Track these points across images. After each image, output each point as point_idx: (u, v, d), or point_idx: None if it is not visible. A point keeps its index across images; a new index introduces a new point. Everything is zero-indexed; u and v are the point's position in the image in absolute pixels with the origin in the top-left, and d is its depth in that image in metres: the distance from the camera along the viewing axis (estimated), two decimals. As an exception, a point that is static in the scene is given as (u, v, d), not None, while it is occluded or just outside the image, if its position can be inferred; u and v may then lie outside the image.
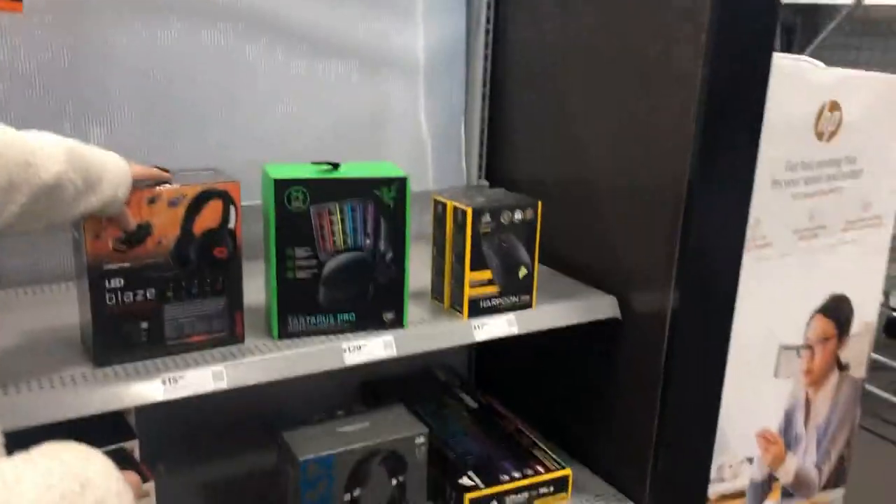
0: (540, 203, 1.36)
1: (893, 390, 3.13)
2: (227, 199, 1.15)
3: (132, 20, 1.43)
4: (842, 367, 1.77)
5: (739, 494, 1.69)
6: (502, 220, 1.33)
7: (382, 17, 1.67)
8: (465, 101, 1.81)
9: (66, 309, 1.29)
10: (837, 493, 1.91)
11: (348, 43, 1.64)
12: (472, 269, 1.32)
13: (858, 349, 1.78)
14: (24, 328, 1.23)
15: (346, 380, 1.76)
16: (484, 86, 1.79)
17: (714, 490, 1.61)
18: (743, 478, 1.68)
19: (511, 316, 1.36)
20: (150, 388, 1.09)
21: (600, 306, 1.46)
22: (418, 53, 1.73)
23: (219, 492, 1.58)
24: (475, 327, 1.33)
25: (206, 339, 1.17)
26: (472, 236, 1.30)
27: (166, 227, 1.11)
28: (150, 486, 1.13)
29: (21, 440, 0.79)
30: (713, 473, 1.59)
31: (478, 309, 1.34)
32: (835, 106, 1.51)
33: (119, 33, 1.42)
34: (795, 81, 1.45)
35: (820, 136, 1.52)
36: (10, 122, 1.34)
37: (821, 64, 1.57)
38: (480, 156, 1.83)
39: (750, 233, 1.44)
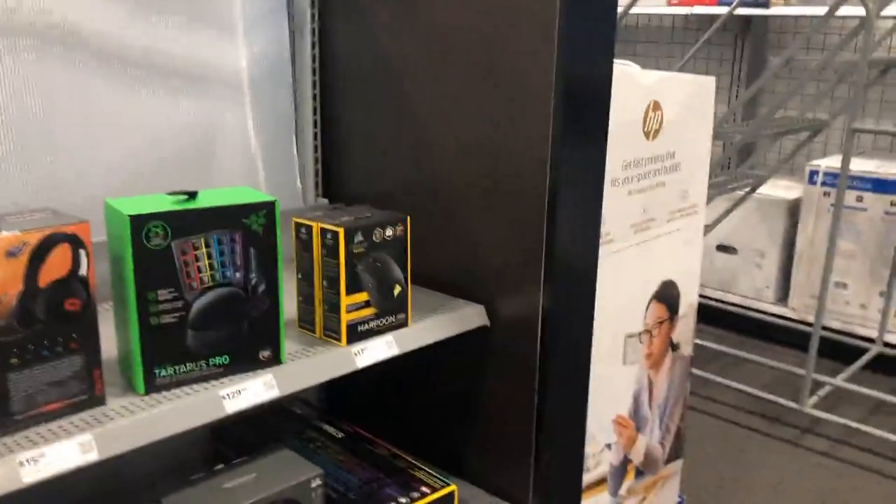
0: (408, 217, 1.32)
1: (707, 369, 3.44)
2: (75, 242, 0.99)
3: None
4: (674, 348, 1.90)
5: (601, 481, 1.76)
6: (374, 238, 1.27)
7: (201, 33, 1.54)
8: (294, 117, 1.73)
9: None
10: (678, 465, 2.05)
11: (168, 63, 1.50)
12: (348, 292, 1.25)
13: (686, 329, 1.93)
14: None
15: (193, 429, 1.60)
16: (314, 100, 1.71)
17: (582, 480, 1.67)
18: (603, 465, 1.75)
19: (389, 337, 1.31)
20: (6, 473, 0.91)
21: (470, 316, 1.45)
22: (242, 69, 1.62)
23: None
24: (356, 353, 1.26)
25: (63, 406, 1.01)
26: (346, 258, 1.24)
27: (6, 282, 0.94)
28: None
29: None
30: (581, 465, 1.64)
31: (356, 333, 1.28)
32: (657, 105, 1.62)
33: None
34: (625, 84, 1.53)
35: (647, 134, 1.62)
36: None
37: (638, 66, 1.68)
38: (316, 173, 1.75)
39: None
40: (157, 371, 1.09)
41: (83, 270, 1.00)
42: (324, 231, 1.25)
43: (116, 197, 1.33)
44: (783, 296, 3.78)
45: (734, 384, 3.20)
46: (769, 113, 2.79)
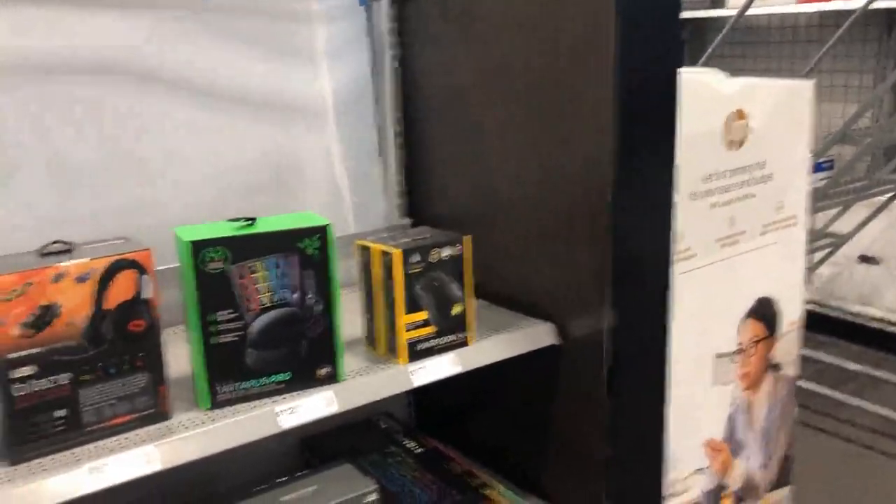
0: (468, 238, 1.33)
1: (819, 380, 3.23)
2: (139, 268, 1.08)
3: (19, 81, 1.34)
4: (775, 368, 1.80)
5: (693, 507, 1.69)
6: (431, 259, 1.29)
7: (283, 62, 1.63)
8: (377, 141, 1.78)
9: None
10: (784, 492, 1.93)
11: (251, 92, 1.59)
12: (407, 311, 1.28)
13: (788, 348, 1.82)
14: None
15: (285, 440, 1.69)
16: (397, 124, 1.76)
17: (668, 506, 1.61)
18: (694, 490, 1.68)
19: (451, 355, 1.33)
20: (74, 480, 1.00)
21: (538, 334, 1.44)
22: (325, 97, 1.69)
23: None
24: (414, 372, 1.29)
25: (130, 420, 1.09)
26: (404, 278, 1.27)
27: (76, 305, 1.03)
28: (83, 588, 1.04)
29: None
30: (666, 490, 1.58)
31: (416, 352, 1.30)
32: (741, 114, 1.55)
33: (5, 95, 1.33)
34: (702, 93, 1.48)
35: (730, 144, 1.55)
36: None
37: (722, 73, 1.61)
38: (400, 195, 1.80)
39: (675, 245, 1.45)
40: (218, 387, 1.16)
41: (147, 294, 1.09)
42: (383, 253, 1.29)
43: (204, 222, 1.43)
44: (934, 310, 3.47)
45: (872, 407, 2.96)
46: (900, 113, 2.58)
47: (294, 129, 1.66)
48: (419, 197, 1.78)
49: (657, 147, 1.36)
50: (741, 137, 1.56)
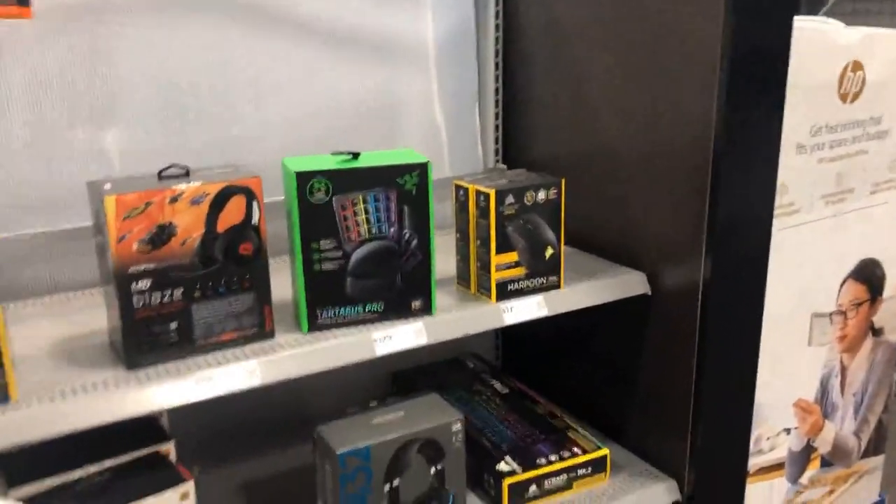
0: (563, 181, 1.34)
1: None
2: (249, 194, 1.13)
3: (142, 20, 1.41)
4: (876, 332, 1.74)
5: (778, 466, 1.67)
6: (526, 201, 1.31)
7: (391, 4, 1.65)
8: (477, 86, 1.79)
9: (91, 315, 1.29)
10: (877, 461, 1.88)
11: (358, 33, 1.62)
12: (498, 251, 1.30)
13: (892, 313, 1.76)
14: (52, 337, 1.23)
15: (376, 372, 1.75)
16: (496, 69, 1.77)
17: (753, 462, 1.59)
18: (781, 449, 1.66)
19: (540, 297, 1.35)
20: (183, 388, 1.08)
21: (629, 283, 1.44)
22: (428, 40, 1.71)
23: (255, 490, 1.58)
24: (504, 310, 1.32)
25: (237, 337, 1.17)
26: (497, 219, 1.29)
27: (190, 225, 1.10)
28: (190, 486, 1.12)
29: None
30: (751, 446, 1.57)
31: (505, 292, 1.33)
32: (857, 66, 1.48)
33: (129, 34, 1.41)
34: (817, 43, 1.42)
35: (843, 97, 1.49)
36: (28, 127, 1.34)
37: (840, 24, 1.54)
38: (496, 140, 1.81)
39: (777, 199, 1.42)
40: (318, 312, 1.22)
41: (255, 219, 1.15)
42: (478, 193, 1.31)
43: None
44: None
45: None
46: None
47: (397, 70, 1.69)
48: (516, 142, 1.79)
49: (766, 96, 1.32)
50: (856, 90, 1.50)
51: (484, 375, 1.77)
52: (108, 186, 1.08)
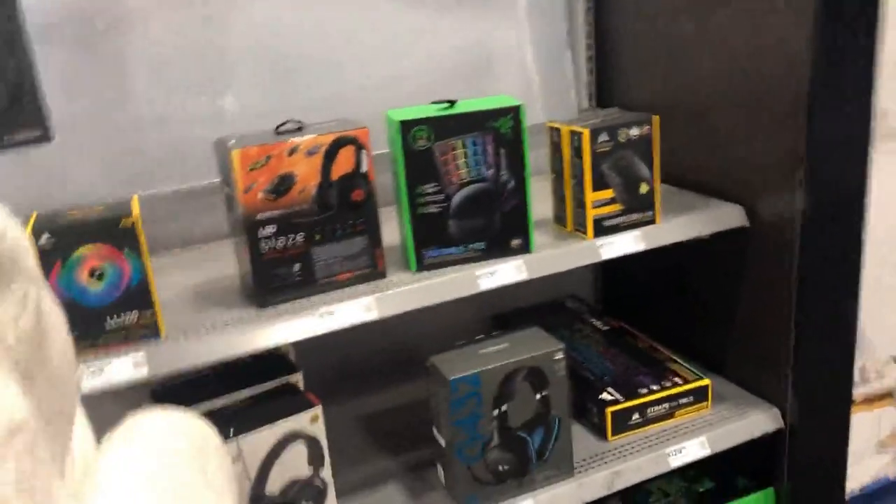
0: (656, 118, 1.37)
1: None
2: (358, 144, 1.23)
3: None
4: None
5: (886, 395, 1.67)
6: (619, 138, 1.35)
7: (480, -42, 1.70)
8: (567, 32, 1.83)
9: (221, 264, 1.42)
10: None
11: (449, -13, 1.69)
12: (594, 189, 1.35)
13: None
14: (188, 284, 1.36)
15: (478, 313, 1.84)
16: (587, 13, 1.79)
17: (858, 392, 1.60)
18: (889, 378, 1.66)
19: (637, 232, 1.39)
20: (309, 322, 1.19)
21: (726, 216, 1.47)
22: (518, -9, 1.76)
23: (372, 419, 1.70)
24: (601, 246, 1.37)
25: (353, 276, 1.27)
26: (591, 156, 1.34)
27: (307, 175, 1.20)
28: (319, 410, 1.24)
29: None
30: (856, 375, 1.57)
31: (602, 228, 1.38)
32: (961, -17, 1.44)
33: (239, 3, 1.52)
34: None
35: (947, 16, 1.45)
36: (155, 95, 1.47)
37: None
38: (589, 84, 1.84)
39: (878, 123, 1.41)
40: (425, 252, 1.30)
41: (364, 167, 1.24)
42: (572, 133, 1.36)
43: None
44: None
45: None
46: None
47: (489, 21, 1.74)
48: (609, 86, 1.81)
49: (858, 18, 1.31)
50: (961, 9, 1.45)
51: (584, 315, 1.83)
52: (232, 142, 1.19)
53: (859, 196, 1.42)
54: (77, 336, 0.55)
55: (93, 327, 1.11)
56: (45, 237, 1.06)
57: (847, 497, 1.64)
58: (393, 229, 1.39)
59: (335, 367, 1.63)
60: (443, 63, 1.72)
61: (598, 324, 1.78)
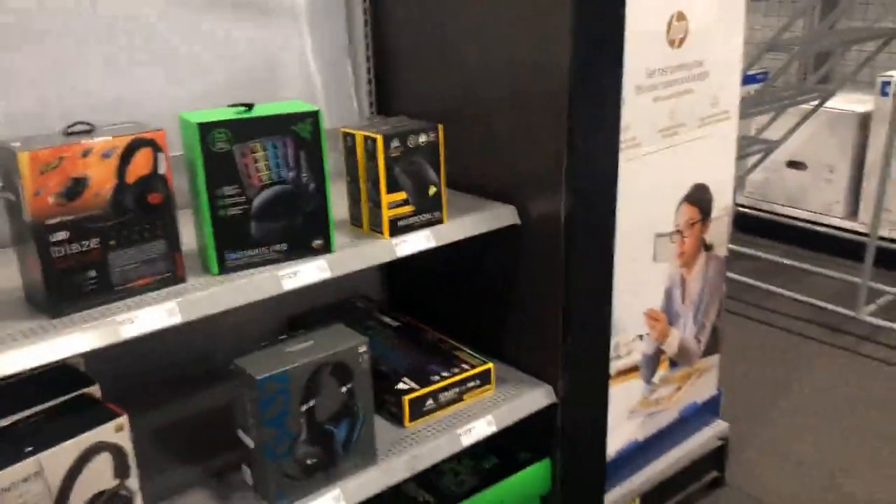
0: (441, 126, 1.49)
1: (752, 275, 3.51)
2: (155, 146, 1.21)
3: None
4: (707, 248, 2.02)
5: (633, 369, 1.93)
6: (409, 144, 1.45)
7: (262, -34, 1.73)
8: (348, 40, 1.90)
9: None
10: (713, 360, 2.19)
11: (233, -6, 1.69)
12: (388, 191, 1.44)
13: (720, 230, 2.05)
14: (-39, 297, 1.25)
15: (274, 315, 1.85)
16: (365, 25, 1.88)
17: (613, 367, 1.84)
18: (636, 353, 1.92)
19: (427, 231, 1.50)
20: (109, 329, 1.15)
21: (502, 215, 1.62)
22: (299, 2, 1.80)
23: (177, 428, 1.66)
24: (397, 244, 1.46)
25: (152, 282, 1.25)
26: (385, 161, 1.42)
27: (102, 178, 1.17)
28: (124, 420, 1.20)
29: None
30: (612, 352, 1.81)
31: (396, 228, 1.47)
32: (681, 16, 1.72)
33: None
34: (647, -3, 1.64)
35: (671, 43, 1.72)
36: None
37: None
38: (370, 92, 1.93)
39: (622, 135, 1.64)
40: (227, 255, 1.31)
41: (162, 170, 1.22)
42: (366, 138, 1.44)
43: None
44: (853, 210, 3.77)
45: (797, 296, 3.26)
46: (826, 23, 2.78)
47: (272, 29, 1.77)
48: (389, 93, 1.92)
49: (608, 45, 1.52)
50: (681, 37, 1.74)
51: (374, 313, 1.91)
52: (17, 144, 1.12)
53: (612, 197, 1.64)
54: None
55: None
56: None
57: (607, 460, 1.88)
58: (190, 232, 1.37)
59: (130, 376, 1.57)
60: (228, 67, 1.72)
61: (388, 320, 1.87)
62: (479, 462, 1.76)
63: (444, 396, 1.61)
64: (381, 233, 1.47)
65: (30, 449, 1.10)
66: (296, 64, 1.83)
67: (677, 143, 1.83)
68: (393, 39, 1.85)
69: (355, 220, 1.52)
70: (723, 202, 2.02)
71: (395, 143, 1.43)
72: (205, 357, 1.70)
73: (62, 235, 1.15)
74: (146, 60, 1.60)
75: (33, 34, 1.47)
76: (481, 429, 1.60)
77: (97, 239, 1.18)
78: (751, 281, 3.44)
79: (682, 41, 1.74)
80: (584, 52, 1.47)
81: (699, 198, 1.95)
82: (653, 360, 1.97)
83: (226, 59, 1.71)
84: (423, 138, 1.47)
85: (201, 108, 1.66)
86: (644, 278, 1.87)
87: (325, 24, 1.86)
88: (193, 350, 1.61)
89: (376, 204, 1.46)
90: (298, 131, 1.32)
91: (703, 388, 2.18)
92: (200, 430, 1.62)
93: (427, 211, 1.51)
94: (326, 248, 1.39)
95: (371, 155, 1.44)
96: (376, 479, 1.45)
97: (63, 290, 1.17)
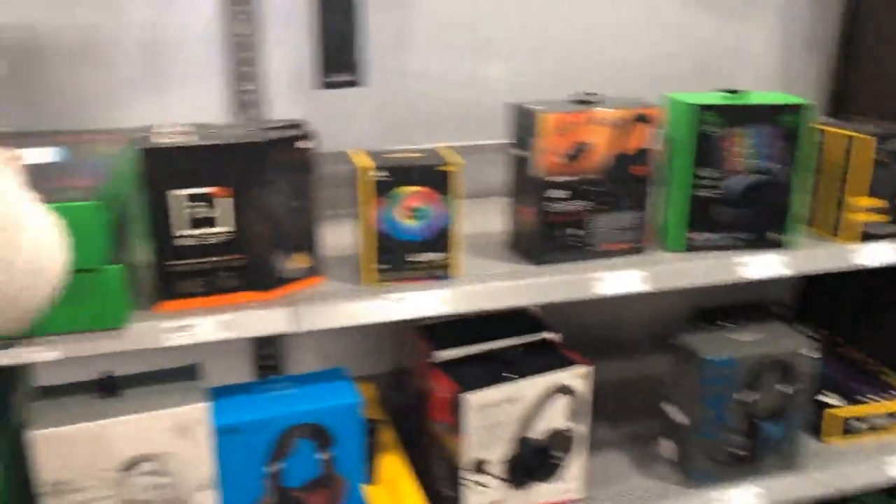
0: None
1: None
2: (651, 122, 1.27)
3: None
4: None
5: None
6: (891, 148, 1.36)
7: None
8: (814, 33, 1.84)
9: (490, 219, 1.47)
10: None
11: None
12: (866, 194, 1.37)
13: None
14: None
15: (685, 303, 1.87)
16: (840, 16, 1.80)
17: None
18: None
19: (896, 244, 1.40)
20: (584, 284, 1.25)
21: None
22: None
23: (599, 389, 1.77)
24: (863, 252, 1.38)
25: (620, 248, 1.32)
26: (868, 163, 1.35)
27: (602, 145, 1.26)
28: (590, 370, 1.30)
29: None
30: None
31: (864, 234, 1.39)
32: None
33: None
34: None
35: None
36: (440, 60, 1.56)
37: None
38: (830, 91, 1.85)
39: None
40: (692, 234, 1.34)
41: (653, 145, 1.29)
42: (850, 138, 1.38)
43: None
44: None
45: None
46: None
47: (736, 19, 1.77)
48: (846, 93, 1.81)
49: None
50: None
51: (791, 321, 1.84)
52: (541, 108, 1.25)
53: None
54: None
55: (397, 259, 1.19)
56: (383, 174, 1.14)
57: None
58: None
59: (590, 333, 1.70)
60: (688, 52, 1.75)
61: (805, 329, 1.79)
62: (891, 499, 1.63)
63: (872, 420, 1.51)
64: (839, 237, 1.40)
65: (515, 372, 1.23)
66: (757, 55, 1.81)
67: None
68: (866, 38, 1.74)
69: (810, 219, 1.47)
70: None
71: (886, 146, 1.35)
72: (621, 327, 1.78)
73: (560, 193, 1.27)
74: (611, 44, 1.69)
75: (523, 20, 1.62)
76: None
77: (588, 200, 1.28)
78: None
79: None
80: None
81: None
82: None
83: (687, 45, 1.74)
84: (911, 144, 1.37)
85: (661, 92, 1.73)
86: None
87: (791, 15, 1.81)
88: (620, 319, 1.69)
89: (846, 207, 1.39)
90: (784, 122, 1.31)
91: None
92: (620, 395, 1.70)
93: (899, 222, 1.41)
94: (786, 244, 1.36)
95: (853, 155, 1.37)
96: (797, 486, 1.41)
97: (550, 241, 1.28)
